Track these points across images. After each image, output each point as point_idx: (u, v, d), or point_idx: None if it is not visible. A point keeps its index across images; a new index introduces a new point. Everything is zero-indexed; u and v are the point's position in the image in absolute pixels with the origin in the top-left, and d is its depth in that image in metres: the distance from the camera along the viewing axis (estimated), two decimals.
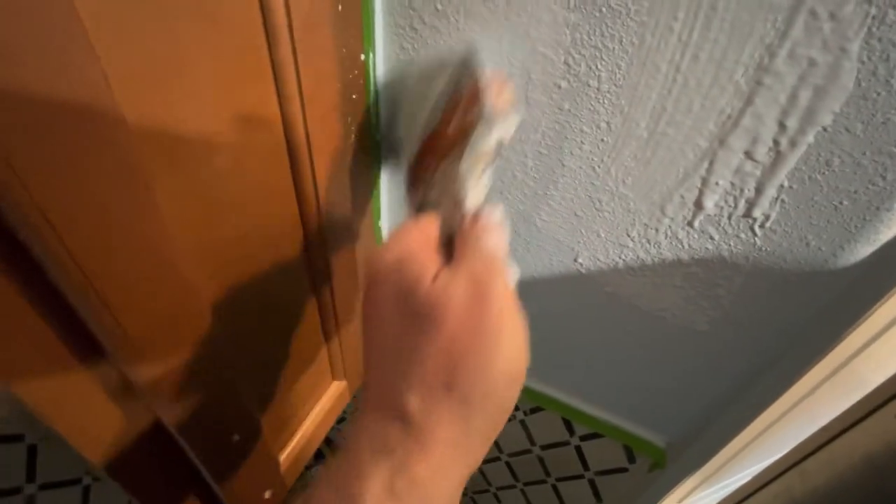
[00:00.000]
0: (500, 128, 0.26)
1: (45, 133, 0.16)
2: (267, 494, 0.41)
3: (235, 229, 0.28)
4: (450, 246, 0.23)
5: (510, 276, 0.22)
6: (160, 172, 0.22)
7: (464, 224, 0.23)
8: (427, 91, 0.31)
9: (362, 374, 0.23)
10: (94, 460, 0.26)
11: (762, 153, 0.31)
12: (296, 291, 0.37)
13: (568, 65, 0.34)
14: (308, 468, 1.04)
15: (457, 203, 0.25)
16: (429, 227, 0.23)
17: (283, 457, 0.44)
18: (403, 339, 0.20)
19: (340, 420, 1.02)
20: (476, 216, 0.23)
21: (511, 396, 0.20)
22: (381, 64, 0.40)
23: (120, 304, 0.21)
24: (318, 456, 1.06)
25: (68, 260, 0.18)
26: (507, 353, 0.19)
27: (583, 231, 0.42)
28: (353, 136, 0.39)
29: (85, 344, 0.23)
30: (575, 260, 0.44)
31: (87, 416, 0.25)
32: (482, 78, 0.27)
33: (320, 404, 0.48)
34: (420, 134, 0.30)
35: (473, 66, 0.29)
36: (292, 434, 0.45)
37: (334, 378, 0.50)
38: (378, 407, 0.20)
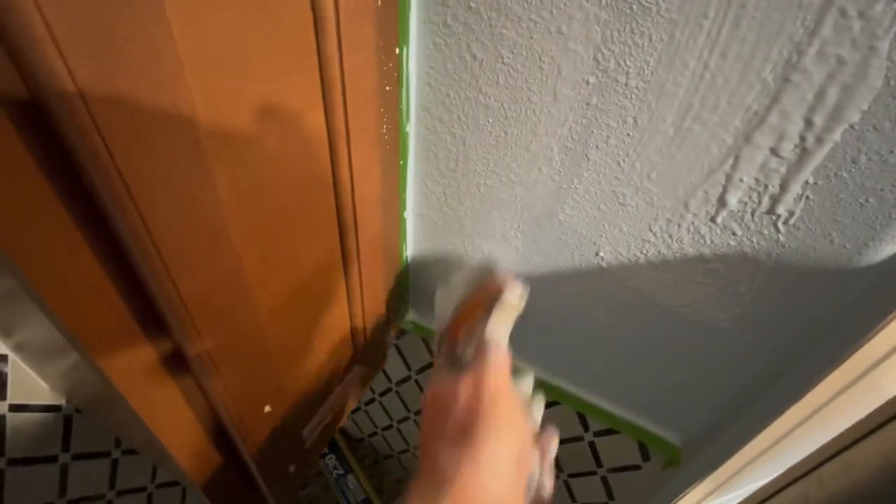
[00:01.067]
0: (516, 297, 0.40)
1: (127, 104, 0.18)
2: (291, 468, 0.42)
3: (278, 208, 0.30)
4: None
5: (504, 365, 0.34)
6: (216, 149, 0.24)
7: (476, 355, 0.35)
8: (454, 290, 0.47)
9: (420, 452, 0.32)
10: (149, 424, 0.27)
11: (788, 150, 0.32)
12: (327, 274, 0.39)
13: (597, 60, 0.35)
14: (322, 455, 1.07)
15: (479, 342, 0.37)
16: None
17: (306, 434, 0.45)
18: (437, 426, 0.30)
19: (355, 411, 1.04)
20: (486, 342, 0.35)
21: (512, 449, 0.29)
22: (413, 58, 0.42)
23: (178, 268, 0.23)
24: (332, 444, 1.08)
25: (139, 223, 0.20)
26: (503, 416, 0.29)
27: (605, 225, 0.43)
28: (385, 126, 0.41)
29: (150, 319, 0.25)
30: (596, 254, 0.45)
31: (148, 383, 0.27)
32: (500, 275, 0.42)
33: (342, 386, 0.50)
34: (451, 314, 0.45)
35: (491, 269, 0.45)
36: (315, 413, 0.47)
37: (357, 362, 0.52)
38: (423, 472, 0.28)
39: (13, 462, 0.53)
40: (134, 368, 0.26)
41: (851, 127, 0.29)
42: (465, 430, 0.28)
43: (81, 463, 0.62)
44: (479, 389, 0.30)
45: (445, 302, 0.47)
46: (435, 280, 0.61)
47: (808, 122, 0.30)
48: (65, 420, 0.57)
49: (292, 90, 0.27)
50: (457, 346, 0.41)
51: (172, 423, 0.30)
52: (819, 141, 0.31)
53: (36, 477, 0.57)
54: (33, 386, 0.52)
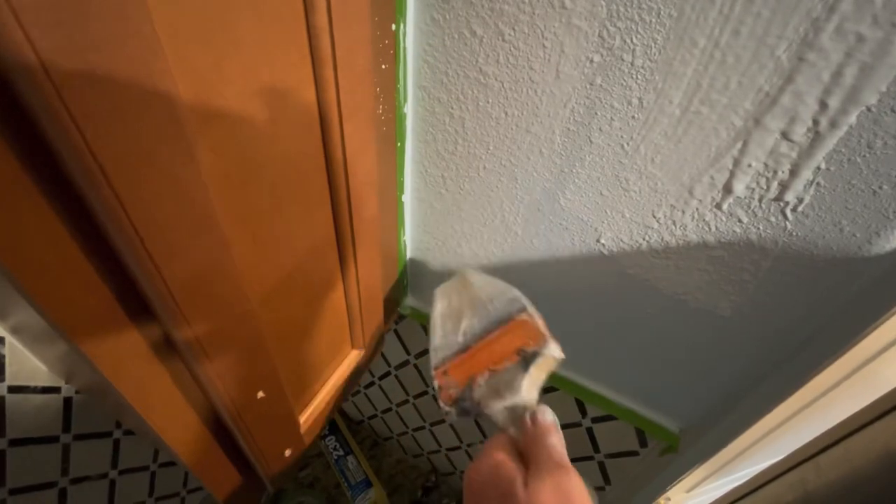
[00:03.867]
0: (558, 354, 0.34)
1: (99, 80, 0.17)
2: (287, 452, 0.42)
3: (268, 190, 0.29)
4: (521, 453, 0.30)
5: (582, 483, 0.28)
6: (200, 127, 0.23)
7: (527, 428, 0.30)
8: (464, 313, 0.41)
9: None
10: (138, 409, 0.27)
11: (800, 134, 0.31)
12: (322, 257, 0.38)
13: (602, 38, 0.33)
14: (323, 437, 1.08)
15: (516, 410, 0.32)
16: (506, 440, 0.31)
17: (303, 419, 0.45)
18: None
19: (355, 393, 1.05)
20: (534, 419, 0.31)
21: None
22: (410, 34, 0.40)
23: (161, 253, 0.22)
24: (332, 426, 1.09)
25: (117, 206, 0.19)
26: None
27: (607, 211, 0.42)
28: (381, 106, 0.40)
29: (136, 304, 0.24)
30: (598, 240, 0.44)
31: (136, 368, 0.26)
32: (536, 319, 0.36)
33: (338, 372, 0.50)
34: (458, 346, 0.39)
35: (519, 308, 0.38)
36: (311, 398, 0.47)
37: (353, 347, 0.51)
38: None
39: (14, 442, 0.54)
40: (122, 354, 0.25)
41: (868, 109, 0.28)
42: None
43: (83, 443, 0.62)
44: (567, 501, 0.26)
45: (450, 325, 0.41)
46: (434, 279, 0.60)
47: (823, 105, 0.29)
48: (64, 402, 0.58)
49: (281, 65, 0.26)
50: (471, 392, 0.36)
51: (164, 409, 0.30)
52: (833, 124, 0.29)
53: (38, 457, 0.57)
54: (32, 368, 0.52)
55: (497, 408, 0.34)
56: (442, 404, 0.36)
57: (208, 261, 0.25)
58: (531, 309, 0.37)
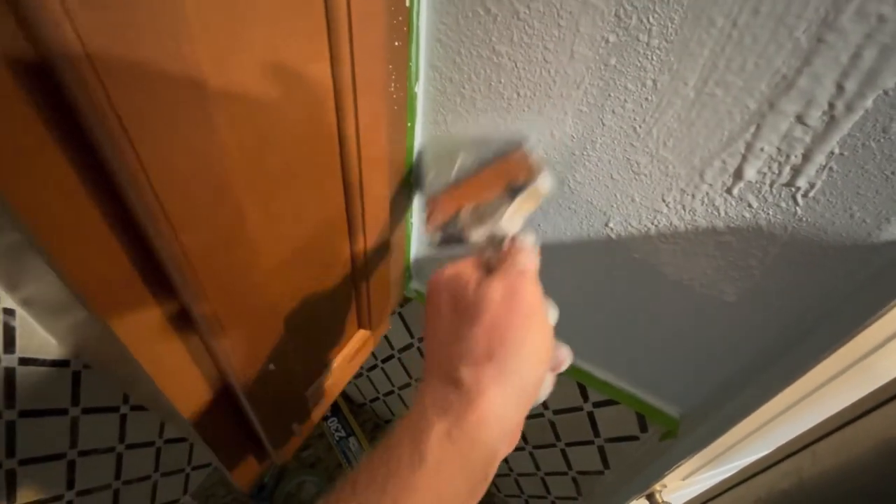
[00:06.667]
0: (547, 186, 0.36)
1: (126, 40, 0.17)
2: (294, 426, 0.43)
3: (282, 163, 0.29)
4: (490, 270, 0.30)
5: (540, 293, 0.28)
6: (220, 99, 0.23)
7: (503, 249, 0.31)
8: (460, 152, 0.41)
9: (425, 355, 0.30)
10: (155, 378, 0.28)
11: (815, 117, 0.31)
12: (332, 234, 0.38)
13: (619, 17, 0.33)
14: (325, 418, 1.09)
15: (496, 237, 0.33)
16: (477, 259, 0.31)
17: (309, 394, 0.46)
18: (455, 328, 0.27)
19: (358, 375, 1.06)
20: (513, 241, 0.31)
21: (537, 373, 0.27)
22: (424, 11, 0.40)
23: (181, 220, 0.22)
24: (335, 408, 1.10)
25: (140, 171, 0.19)
26: (534, 338, 0.26)
27: (617, 195, 0.42)
28: (393, 84, 0.39)
29: (154, 276, 0.25)
30: (606, 224, 0.44)
31: (153, 338, 0.27)
32: (534, 154, 0.38)
33: (345, 350, 0.50)
34: (450, 181, 0.40)
35: (520, 146, 0.39)
36: (318, 374, 0.48)
37: (360, 327, 0.52)
38: (439, 377, 0.26)
39: (24, 413, 0.55)
40: (139, 324, 0.26)
41: (885, 93, 0.28)
42: (493, 344, 0.25)
43: (91, 416, 0.63)
44: (515, 302, 0.26)
45: (444, 164, 0.41)
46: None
47: (840, 88, 0.29)
48: (73, 375, 0.59)
49: (297, 36, 0.26)
50: (456, 220, 0.36)
51: (178, 379, 0.30)
52: (849, 108, 0.29)
53: (47, 429, 0.58)
54: (42, 341, 0.53)
55: (479, 233, 0.34)
56: (429, 229, 0.38)
57: (225, 231, 0.25)
58: (531, 144, 0.39)
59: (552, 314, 0.29)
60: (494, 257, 0.31)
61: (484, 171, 0.39)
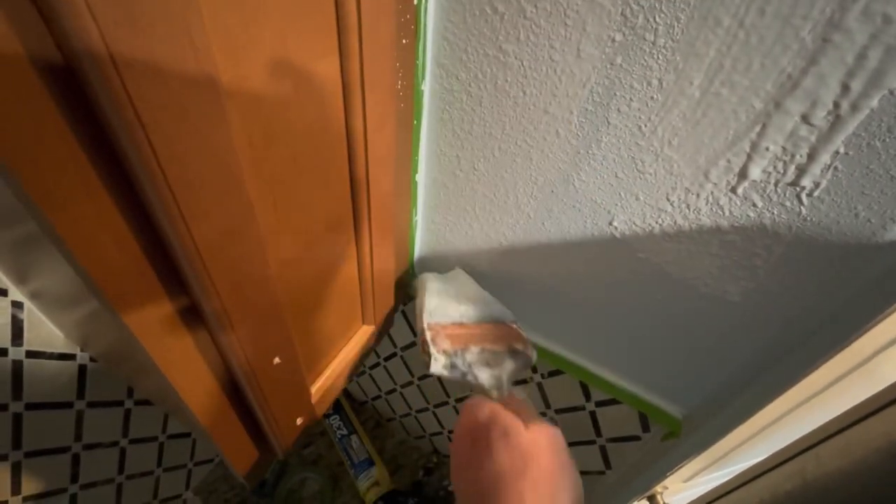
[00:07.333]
0: (533, 359, 0.48)
1: (141, 29, 0.17)
2: (298, 421, 0.43)
3: (290, 158, 0.29)
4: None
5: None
6: (231, 92, 0.23)
7: (511, 396, 0.42)
8: (461, 302, 0.51)
9: (454, 487, 0.37)
10: (163, 371, 0.28)
11: (820, 117, 0.31)
12: (338, 229, 0.39)
13: (625, 16, 0.33)
14: (327, 416, 1.10)
15: (500, 379, 0.43)
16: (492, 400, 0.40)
17: (314, 389, 0.46)
18: (509, 463, 0.33)
19: (360, 374, 1.06)
20: (512, 395, 0.42)
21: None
22: (431, 9, 0.40)
23: (191, 211, 0.22)
24: (337, 405, 1.10)
25: (153, 161, 0.19)
26: (577, 482, 0.35)
27: (622, 193, 0.42)
28: (400, 82, 0.40)
29: (164, 268, 0.25)
30: (610, 223, 0.44)
31: (163, 330, 0.27)
32: (523, 335, 0.50)
33: (349, 346, 0.51)
34: (452, 315, 0.49)
35: (512, 319, 0.52)
36: (323, 369, 0.48)
37: (364, 322, 0.52)
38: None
39: (30, 406, 0.55)
40: (150, 316, 0.26)
41: (891, 93, 0.28)
42: (558, 485, 0.32)
43: (96, 411, 0.64)
44: (562, 450, 0.34)
45: (447, 300, 0.49)
46: (443, 261, 0.60)
47: (845, 88, 0.29)
48: (79, 369, 0.59)
49: (307, 31, 0.26)
50: (464, 356, 0.44)
51: (186, 371, 0.30)
52: (854, 108, 0.29)
53: (52, 422, 0.59)
54: (48, 334, 0.53)
55: (485, 374, 0.43)
56: (433, 351, 0.44)
57: (234, 223, 0.25)
58: (518, 324, 0.50)
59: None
60: (501, 400, 0.40)
61: (486, 325, 0.48)
